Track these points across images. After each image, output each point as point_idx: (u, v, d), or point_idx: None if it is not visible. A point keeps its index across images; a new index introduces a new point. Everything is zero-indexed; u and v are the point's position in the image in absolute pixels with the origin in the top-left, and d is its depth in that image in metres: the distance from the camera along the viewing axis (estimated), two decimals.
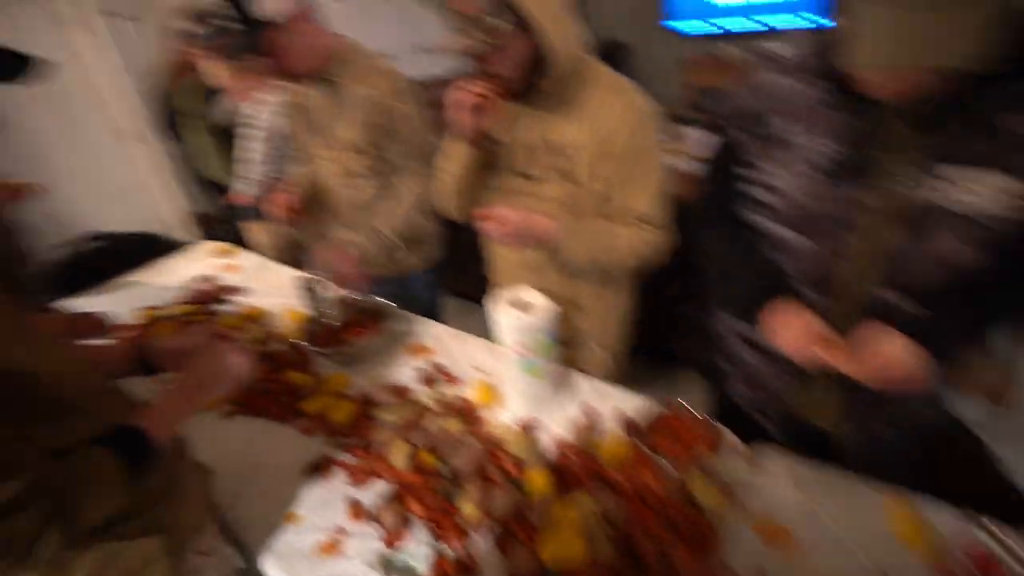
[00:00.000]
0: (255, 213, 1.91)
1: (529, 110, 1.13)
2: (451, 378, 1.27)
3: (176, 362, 0.87)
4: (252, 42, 1.22)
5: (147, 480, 0.70)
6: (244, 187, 2.02)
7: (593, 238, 1.15)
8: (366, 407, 1.19)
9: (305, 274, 1.58)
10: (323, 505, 0.98)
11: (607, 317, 1.40)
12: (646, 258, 1.19)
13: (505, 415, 1.14)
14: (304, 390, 1.25)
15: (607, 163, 1.10)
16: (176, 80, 2.27)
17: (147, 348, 0.89)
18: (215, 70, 1.87)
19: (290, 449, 1.11)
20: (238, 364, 0.86)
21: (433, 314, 1.64)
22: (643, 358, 1.70)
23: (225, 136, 2.16)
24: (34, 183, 1.97)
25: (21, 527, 0.54)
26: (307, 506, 0.98)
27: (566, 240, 1.14)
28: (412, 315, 1.51)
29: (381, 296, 1.51)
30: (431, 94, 1.49)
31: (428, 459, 1.00)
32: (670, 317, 2.11)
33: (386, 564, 0.86)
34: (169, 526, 0.77)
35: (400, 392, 1.24)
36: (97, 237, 2.28)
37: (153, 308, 1.68)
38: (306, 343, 1.37)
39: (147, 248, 2.20)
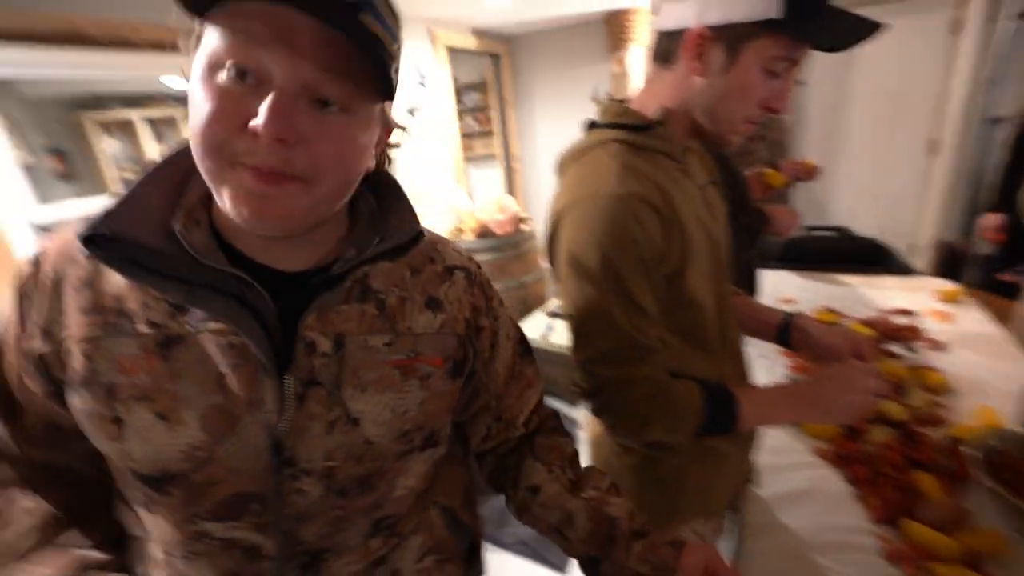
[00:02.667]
0: None
1: None
2: None
3: (815, 353, 0.80)
4: None
5: (703, 438, 0.69)
6: None
7: None
8: None
9: None
10: None
11: None
12: None
13: None
14: (920, 503, 0.86)
15: None
16: None
17: (798, 325, 0.84)
18: None
19: (850, 537, 0.82)
20: (861, 403, 0.67)
21: None
22: None
23: None
24: (820, 168, 2.15)
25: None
26: None
27: None
28: None
29: None
30: None
31: None
32: None
33: None
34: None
35: None
36: (836, 229, 2.34)
37: (832, 311, 1.60)
38: (982, 464, 0.91)
39: (872, 256, 2.08)
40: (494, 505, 1.83)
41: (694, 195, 0.70)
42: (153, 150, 3.44)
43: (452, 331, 0.52)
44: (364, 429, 0.46)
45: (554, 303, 2.77)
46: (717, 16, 0.59)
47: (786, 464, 1.01)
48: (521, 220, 2.97)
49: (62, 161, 3.08)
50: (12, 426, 0.47)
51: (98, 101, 3.20)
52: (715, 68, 0.61)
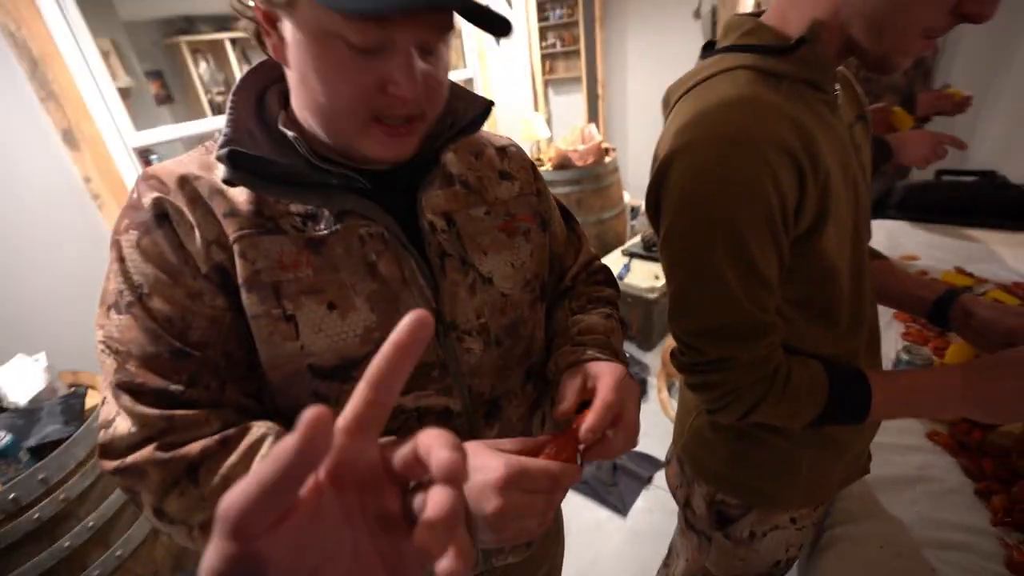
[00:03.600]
0: None
1: None
2: None
3: (985, 338, 0.66)
4: None
5: (816, 426, 0.60)
6: None
7: None
8: None
9: None
10: None
11: None
12: None
13: None
14: None
15: None
16: None
17: (964, 303, 0.69)
18: None
19: (963, 536, 0.73)
20: None
21: None
22: None
23: None
24: (971, 98, 1.78)
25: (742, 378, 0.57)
26: None
27: None
28: None
29: None
30: None
31: None
32: None
33: None
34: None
35: None
36: (981, 173, 1.97)
37: (964, 273, 1.37)
38: None
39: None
40: None
41: (842, 136, 0.56)
42: (239, 72, 3.53)
43: (529, 192, 0.60)
44: (497, 284, 0.53)
45: (633, 243, 2.63)
46: None
47: (894, 444, 0.91)
48: (604, 151, 2.78)
49: (161, 85, 3.25)
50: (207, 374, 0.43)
51: (190, 24, 3.28)
52: None
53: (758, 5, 2.74)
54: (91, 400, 1.13)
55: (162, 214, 0.42)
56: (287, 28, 0.40)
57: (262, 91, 0.49)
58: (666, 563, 1.01)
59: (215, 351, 0.43)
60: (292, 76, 0.44)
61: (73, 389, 1.17)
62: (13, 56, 1.16)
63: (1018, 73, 2.43)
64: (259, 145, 0.44)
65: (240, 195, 0.44)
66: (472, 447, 0.39)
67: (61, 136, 1.25)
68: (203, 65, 3.43)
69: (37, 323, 1.26)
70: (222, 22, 3.39)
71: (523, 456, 0.38)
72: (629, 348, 2.28)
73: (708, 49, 0.60)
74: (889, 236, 1.67)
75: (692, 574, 0.87)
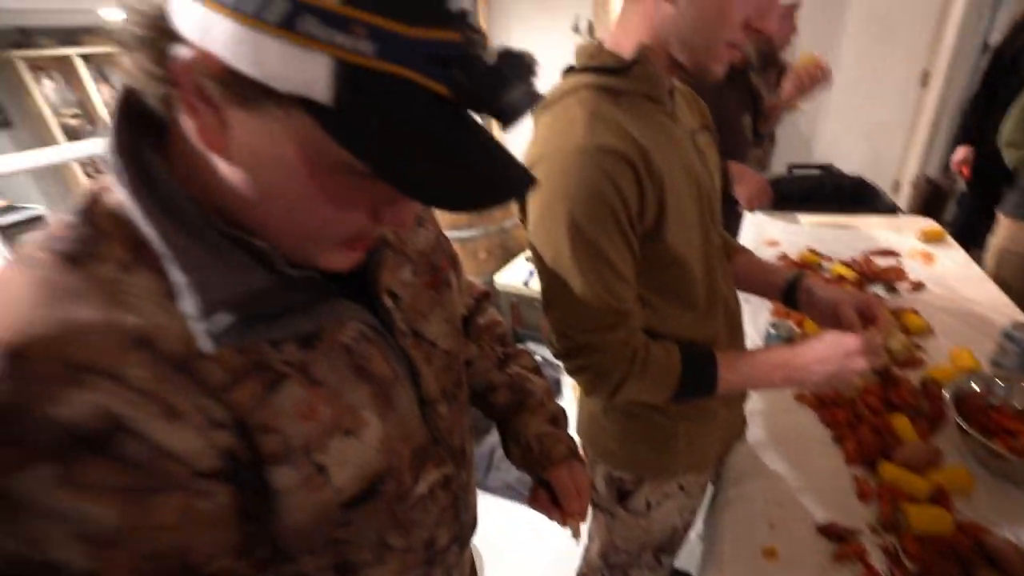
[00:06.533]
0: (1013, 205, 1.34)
1: None
2: None
3: (821, 314, 0.76)
4: None
5: (676, 401, 0.69)
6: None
7: None
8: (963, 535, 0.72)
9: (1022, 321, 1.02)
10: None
11: None
12: None
13: None
14: (896, 445, 0.88)
15: None
16: None
17: (804, 286, 0.80)
18: None
19: (826, 479, 0.85)
20: (851, 366, 0.65)
21: None
22: None
23: None
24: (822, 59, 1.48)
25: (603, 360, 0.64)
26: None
27: None
28: None
29: None
30: None
31: None
32: None
33: None
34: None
35: None
36: (820, 167, 2.30)
37: (815, 253, 1.58)
38: (952, 404, 0.93)
39: (858, 195, 2.05)
40: (481, 452, 1.87)
41: (681, 142, 0.65)
42: (96, 91, 3.15)
43: (439, 234, 0.56)
44: (440, 345, 0.51)
45: None
46: None
47: (768, 410, 1.03)
48: None
49: None
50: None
51: (26, 37, 2.87)
52: None
53: None
54: None
55: (109, 427, 0.27)
56: (241, 119, 0.28)
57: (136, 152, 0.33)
58: (586, 548, 1.07)
59: (225, 559, 0.33)
60: (231, 172, 0.31)
61: None
62: None
63: (843, 76, 2.87)
64: (210, 270, 0.31)
65: (223, 351, 0.33)
66: None
67: None
68: (47, 84, 3.02)
69: None
70: (68, 35, 3.01)
71: None
72: (540, 350, 2.35)
73: (568, 70, 0.66)
74: (755, 225, 1.89)
75: (605, 552, 0.95)
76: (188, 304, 0.30)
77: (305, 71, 0.25)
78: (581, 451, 0.86)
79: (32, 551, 0.26)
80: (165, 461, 0.29)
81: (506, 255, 2.82)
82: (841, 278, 1.44)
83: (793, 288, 0.81)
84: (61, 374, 0.26)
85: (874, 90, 2.85)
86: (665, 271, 0.65)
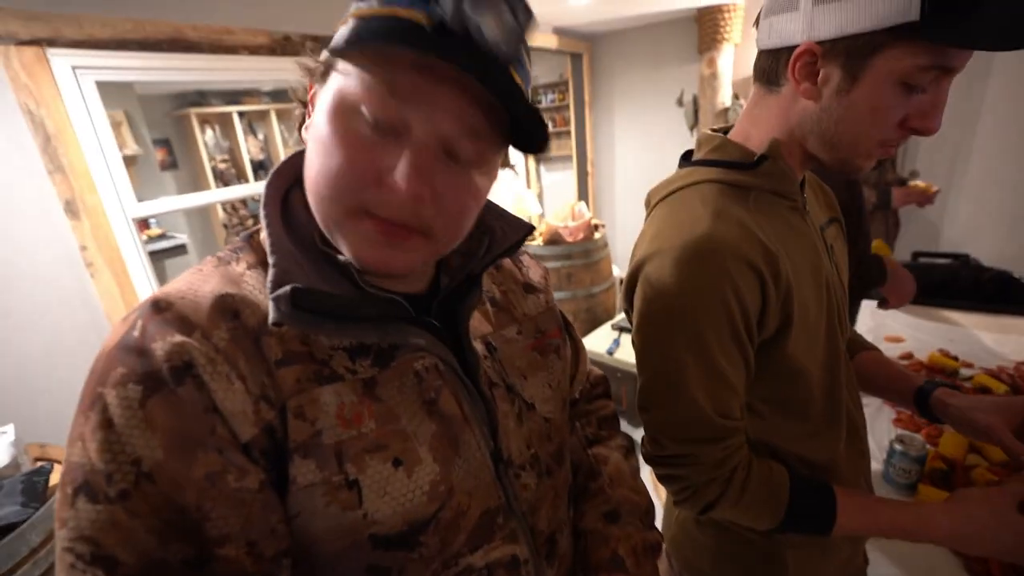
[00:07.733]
0: None
1: None
2: None
3: (965, 424, 0.66)
4: None
5: (782, 532, 0.60)
6: None
7: None
8: None
9: None
10: None
11: None
12: None
13: None
14: None
15: None
16: None
17: (939, 398, 0.69)
18: None
19: None
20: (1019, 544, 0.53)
21: None
22: None
23: None
24: (936, 190, 1.93)
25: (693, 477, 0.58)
26: None
27: None
28: None
29: None
30: None
31: None
32: None
33: None
34: None
35: None
36: (955, 256, 2.06)
37: (948, 356, 1.39)
38: None
39: (999, 290, 1.80)
40: None
41: (811, 240, 0.60)
42: (244, 142, 3.67)
43: (551, 305, 0.57)
44: (539, 409, 0.49)
45: (622, 317, 2.65)
46: (831, 29, 0.48)
47: (896, 543, 0.87)
48: (594, 228, 2.87)
49: (168, 152, 3.37)
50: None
51: (202, 97, 3.46)
52: (831, 90, 0.51)
53: (736, 97, 2.96)
54: (55, 477, 1.07)
55: (184, 365, 0.32)
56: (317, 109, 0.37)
57: (286, 192, 0.43)
58: None
59: (236, 546, 0.33)
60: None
61: (39, 465, 1.11)
62: (30, 132, 1.20)
63: (979, 158, 2.60)
64: (305, 272, 0.37)
65: (287, 333, 0.37)
66: None
67: (63, 206, 1.27)
68: (209, 133, 3.58)
69: (9, 393, 1.21)
70: (233, 96, 3.58)
71: None
72: (622, 424, 2.24)
73: (686, 158, 0.65)
74: (873, 317, 1.71)
75: None
76: (269, 280, 0.36)
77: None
78: (665, 557, 0.78)
79: (97, 458, 0.31)
80: (214, 417, 0.33)
81: (592, 320, 2.79)
82: (986, 390, 1.24)
83: (926, 398, 0.70)
84: (176, 323, 0.33)
85: (1015, 176, 2.55)
86: (782, 382, 0.58)
